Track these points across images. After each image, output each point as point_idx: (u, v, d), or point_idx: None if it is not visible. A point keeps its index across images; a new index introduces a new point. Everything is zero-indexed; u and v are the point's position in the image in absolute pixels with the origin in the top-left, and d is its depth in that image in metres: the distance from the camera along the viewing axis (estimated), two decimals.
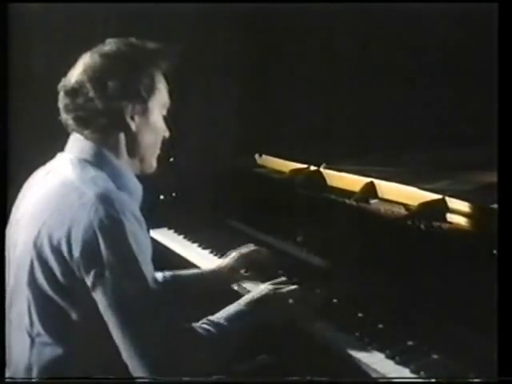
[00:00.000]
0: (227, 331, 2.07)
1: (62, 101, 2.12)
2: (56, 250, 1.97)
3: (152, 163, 2.22)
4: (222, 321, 2.09)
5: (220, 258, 2.84)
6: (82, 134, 2.11)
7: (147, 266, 2.00)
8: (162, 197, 3.18)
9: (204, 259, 2.87)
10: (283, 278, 2.41)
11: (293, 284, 2.32)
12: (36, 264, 2.00)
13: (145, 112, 2.13)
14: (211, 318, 2.10)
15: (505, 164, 2.00)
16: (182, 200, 3.29)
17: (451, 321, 2.00)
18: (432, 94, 3.40)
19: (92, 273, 1.94)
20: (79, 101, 2.08)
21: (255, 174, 3.08)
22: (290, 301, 2.24)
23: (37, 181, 2.17)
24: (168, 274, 2.52)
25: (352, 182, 2.56)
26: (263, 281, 2.42)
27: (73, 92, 2.09)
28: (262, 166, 3.13)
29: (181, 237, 3.14)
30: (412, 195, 2.32)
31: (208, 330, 2.04)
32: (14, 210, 2.20)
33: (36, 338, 2.02)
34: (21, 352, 2.05)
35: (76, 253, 1.94)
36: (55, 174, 2.10)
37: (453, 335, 1.98)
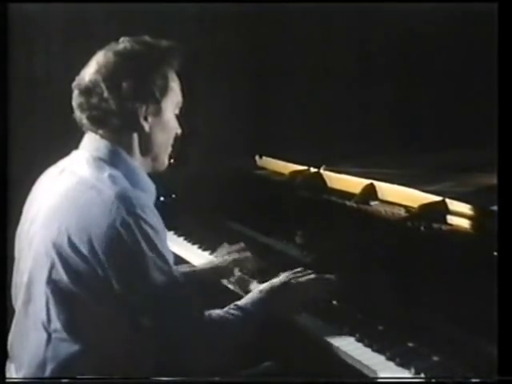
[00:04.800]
0: (252, 316, 2.14)
1: (76, 99, 2.11)
2: (76, 248, 1.97)
3: (164, 161, 2.23)
4: (248, 306, 2.16)
5: None
6: (96, 133, 2.12)
7: (170, 257, 2.05)
8: (162, 198, 3.18)
9: (204, 260, 2.84)
10: (299, 268, 2.40)
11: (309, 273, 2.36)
12: (57, 263, 2.00)
13: (158, 112, 2.13)
14: (238, 303, 2.16)
15: (505, 166, 1.99)
16: (182, 201, 3.29)
17: (451, 321, 2.00)
18: (432, 94, 3.40)
19: (116, 270, 1.96)
20: (93, 100, 2.08)
21: (255, 176, 3.08)
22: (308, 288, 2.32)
23: (50, 179, 2.17)
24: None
25: (352, 183, 2.55)
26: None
27: (87, 91, 2.08)
28: (262, 168, 3.12)
29: (181, 238, 3.14)
30: (412, 197, 2.31)
31: (235, 315, 2.12)
32: (25, 208, 2.20)
33: (53, 333, 2.02)
34: (35, 348, 2.04)
35: (99, 251, 1.95)
36: (70, 173, 2.11)
37: (453, 336, 1.98)
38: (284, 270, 2.54)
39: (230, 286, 2.59)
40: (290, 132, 3.54)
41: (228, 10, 3.15)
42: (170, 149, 2.23)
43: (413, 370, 1.95)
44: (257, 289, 2.27)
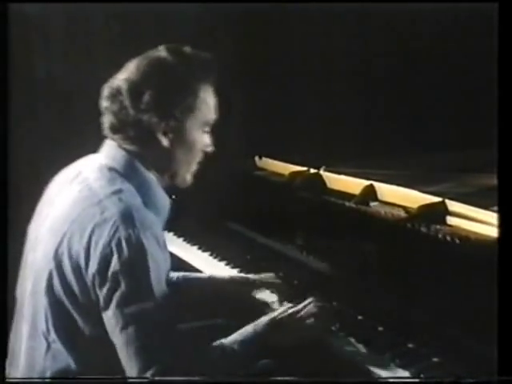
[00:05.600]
0: (240, 355, 2.03)
1: (103, 102, 2.07)
2: (74, 263, 1.95)
3: (186, 178, 2.14)
4: (235, 346, 2.03)
5: (220, 260, 2.85)
6: (113, 139, 2.07)
7: (161, 286, 1.95)
8: None
9: (204, 262, 2.86)
10: (308, 300, 2.23)
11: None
12: (55, 273, 1.98)
13: (180, 130, 2.05)
14: (224, 341, 2.04)
15: (505, 167, 1.99)
16: (181, 202, 3.28)
17: (451, 322, 1.99)
18: (432, 95, 3.40)
19: (104, 291, 1.92)
20: (114, 107, 2.03)
21: (255, 177, 3.07)
22: (308, 322, 2.15)
23: (64, 182, 2.12)
24: (181, 275, 2.47)
25: (352, 184, 2.55)
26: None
27: (111, 96, 2.04)
28: (262, 169, 3.11)
29: (180, 239, 3.12)
30: (412, 198, 2.31)
31: (220, 355, 2.01)
32: (39, 207, 2.17)
33: (52, 343, 2.01)
34: (36, 355, 2.03)
35: (92, 269, 1.92)
36: (82, 180, 2.06)
37: (453, 336, 1.97)
38: (284, 271, 2.56)
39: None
40: (290, 133, 3.53)
41: (228, 10, 3.15)
42: (193, 167, 2.14)
43: (413, 371, 1.95)
44: (251, 325, 2.10)
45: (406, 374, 1.96)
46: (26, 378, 2.03)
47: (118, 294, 1.91)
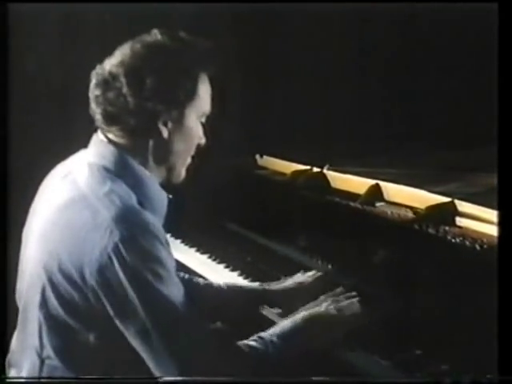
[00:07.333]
0: (278, 349, 1.95)
1: (93, 91, 1.93)
2: (68, 273, 1.85)
3: (181, 172, 2.04)
4: (274, 338, 1.96)
5: (219, 263, 2.81)
6: (108, 131, 1.95)
7: (173, 284, 1.87)
8: None
9: (203, 264, 2.82)
10: (340, 289, 2.25)
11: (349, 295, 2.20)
12: (48, 287, 1.89)
13: (180, 118, 1.95)
14: (262, 334, 1.98)
15: (505, 166, 1.99)
16: (179, 203, 3.27)
17: (451, 321, 1.99)
18: (437, 94, 3.41)
19: (112, 300, 1.83)
20: (110, 95, 1.89)
21: (256, 176, 3.05)
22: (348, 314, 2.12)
23: (55, 181, 2.03)
24: (186, 276, 2.39)
25: (357, 184, 2.54)
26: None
27: (105, 83, 1.90)
28: (263, 168, 3.10)
29: (178, 241, 3.07)
30: (420, 198, 2.30)
31: (256, 348, 1.94)
32: (33, 205, 2.10)
33: (46, 360, 1.93)
34: (31, 369, 1.97)
35: (91, 279, 1.82)
36: (71, 182, 1.95)
37: (453, 335, 1.96)
38: (284, 273, 2.54)
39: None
40: (292, 130, 3.52)
41: (227, 10, 3.16)
42: (189, 160, 2.05)
43: (413, 372, 1.94)
44: (290, 318, 2.07)
45: (406, 374, 1.94)
46: (26, 378, 2.01)
47: (129, 302, 1.81)
